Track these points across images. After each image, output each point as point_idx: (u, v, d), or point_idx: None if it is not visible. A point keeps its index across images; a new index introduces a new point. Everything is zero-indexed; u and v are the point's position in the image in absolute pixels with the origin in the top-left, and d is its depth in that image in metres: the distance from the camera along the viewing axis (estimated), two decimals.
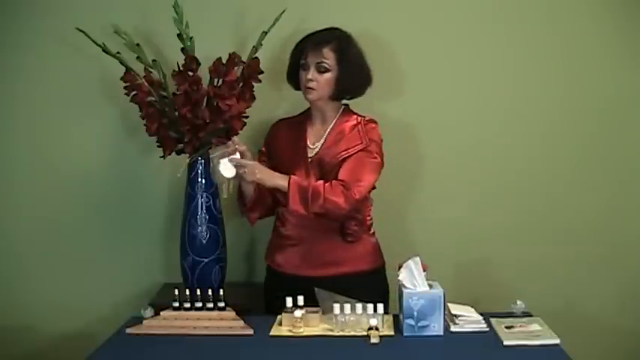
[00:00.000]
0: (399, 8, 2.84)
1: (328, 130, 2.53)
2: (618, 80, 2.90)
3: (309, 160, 2.50)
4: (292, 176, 2.41)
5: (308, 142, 2.53)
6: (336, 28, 2.52)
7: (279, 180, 2.40)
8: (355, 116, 2.54)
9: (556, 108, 2.91)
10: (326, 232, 2.48)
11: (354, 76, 2.49)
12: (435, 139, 2.88)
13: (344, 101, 2.57)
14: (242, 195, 2.55)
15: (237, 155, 2.38)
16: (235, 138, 2.46)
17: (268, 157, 2.60)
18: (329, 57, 2.45)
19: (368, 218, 2.56)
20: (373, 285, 2.51)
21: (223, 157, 2.38)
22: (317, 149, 2.51)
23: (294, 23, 2.72)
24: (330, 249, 2.50)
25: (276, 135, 2.62)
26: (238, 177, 2.40)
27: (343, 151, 2.46)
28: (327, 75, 2.45)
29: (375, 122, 2.53)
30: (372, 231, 2.58)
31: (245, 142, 2.67)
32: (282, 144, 2.57)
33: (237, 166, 2.37)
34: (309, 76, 2.46)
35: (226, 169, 2.38)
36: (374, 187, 2.52)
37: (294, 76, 2.54)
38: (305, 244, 2.51)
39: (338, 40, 2.48)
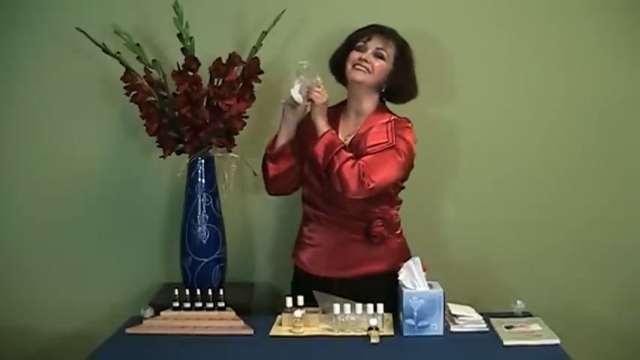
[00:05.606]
0: (399, 7, 2.84)
1: (361, 123, 2.45)
2: (619, 80, 2.89)
3: None
4: (332, 131, 2.36)
5: (340, 135, 2.44)
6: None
7: (321, 123, 2.36)
8: (389, 114, 2.47)
9: (555, 108, 2.91)
10: (349, 234, 2.45)
11: (404, 79, 2.45)
12: (433, 140, 2.87)
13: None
14: (276, 137, 2.46)
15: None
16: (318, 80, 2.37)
17: (298, 143, 2.47)
18: (391, 48, 2.42)
19: (396, 219, 2.51)
20: (390, 286, 2.36)
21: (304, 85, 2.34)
22: (347, 143, 2.42)
23: (294, 23, 2.72)
24: (351, 250, 2.45)
25: (309, 121, 2.45)
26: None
27: (369, 147, 2.39)
28: (382, 63, 2.40)
29: (409, 122, 2.46)
30: (398, 231, 2.52)
31: (245, 143, 2.69)
32: (312, 132, 2.42)
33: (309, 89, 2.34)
34: (364, 57, 2.40)
35: (296, 91, 2.34)
36: (402, 187, 2.49)
37: (340, 61, 2.46)
38: (326, 245, 2.47)
39: (401, 40, 2.46)
